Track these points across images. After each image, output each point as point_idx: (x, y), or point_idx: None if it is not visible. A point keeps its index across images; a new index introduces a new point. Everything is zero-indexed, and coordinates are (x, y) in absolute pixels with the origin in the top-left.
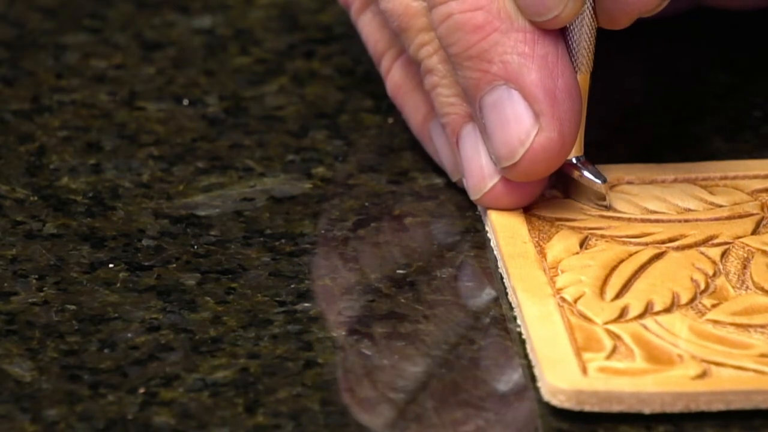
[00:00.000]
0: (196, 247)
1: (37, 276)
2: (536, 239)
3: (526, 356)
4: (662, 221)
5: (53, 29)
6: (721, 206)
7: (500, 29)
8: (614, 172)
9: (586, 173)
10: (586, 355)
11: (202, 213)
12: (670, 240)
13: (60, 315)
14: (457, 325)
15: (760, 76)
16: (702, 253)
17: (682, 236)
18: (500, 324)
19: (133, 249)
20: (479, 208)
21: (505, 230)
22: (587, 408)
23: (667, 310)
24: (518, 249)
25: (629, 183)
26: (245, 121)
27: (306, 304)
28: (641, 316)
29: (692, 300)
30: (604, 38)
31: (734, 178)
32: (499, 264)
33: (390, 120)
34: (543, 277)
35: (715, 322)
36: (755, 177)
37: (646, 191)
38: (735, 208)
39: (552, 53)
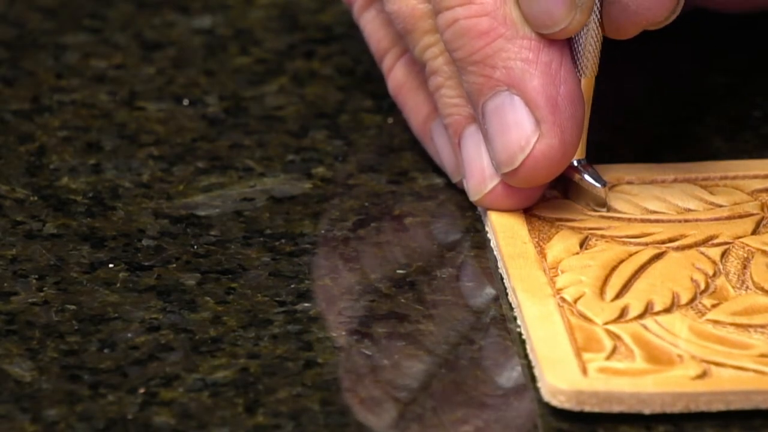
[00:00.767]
0: (196, 247)
1: (37, 276)
2: (536, 239)
3: (526, 356)
4: (662, 221)
5: (53, 29)
6: (721, 206)
7: (505, 35)
8: (614, 172)
9: (586, 176)
10: (586, 356)
11: (202, 213)
12: (670, 240)
13: (60, 315)
14: (457, 325)
15: (760, 76)
16: (702, 253)
17: (682, 236)
18: (500, 324)
19: (133, 249)
20: (479, 208)
21: (505, 230)
22: (587, 408)
23: (667, 310)
24: (518, 249)
25: (629, 183)
26: (245, 121)
27: (306, 304)
28: (641, 316)
29: (692, 300)
30: (605, 39)
31: (734, 178)
32: (499, 264)
33: (390, 120)
34: (543, 278)
35: (715, 322)
36: (755, 177)
37: (646, 191)
38: (735, 208)
39: (556, 60)
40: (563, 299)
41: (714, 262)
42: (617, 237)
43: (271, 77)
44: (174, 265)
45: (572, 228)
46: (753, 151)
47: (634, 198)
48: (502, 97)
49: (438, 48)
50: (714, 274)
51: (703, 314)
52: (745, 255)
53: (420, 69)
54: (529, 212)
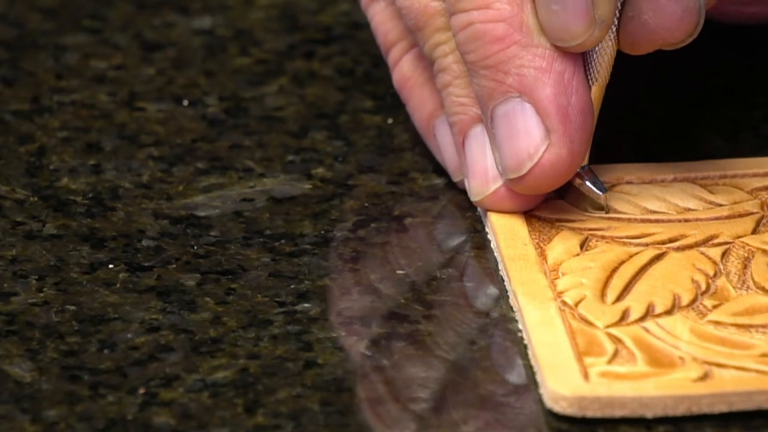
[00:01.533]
0: (196, 247)
1: (37, 276)
2: (536, 240)
3: (526, 356)
4: (662, 221)
5: (53, 29)
6: (721, 205)
7: (520, 43)
8: (614, 172)
9: (587, 183)
10: (588, 360)
11: (201, 213)
12: (671, 240)
13: (60, 315)
14: (457, 325)
15: (760, 76)
16: (702, 254)
17: (683, 236)
18: (501, 324)
19: (133, 249)
20: (479, 209)
21: (505, 232)
22: (589, 414)
23: (668, 312)
24: (519, 251)
25: (629, 183)
26: (245, 122)
27: (306, 304)
28: (642, 318)
29: (693, 301)
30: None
31: (734, 176)
32: (500, 266)
33: (390, 120)
34: (544, 281)
35: (717, 323)
36: (755, 175)
37: (646, 191)
38: (735, 207)
39: (569, 70)
40: (564, 303)
41: (714, 263)
42: (617, 238)
43: (271, 78)
44: (174, 266)
45: (572, 229)
46: (753, 151)
47: (634, 198)
48: (513, 103)
49: (449, 46)
50: (715, 275)
51: (704, 315)
52: (746, 254)
53: (427, 65)
54: (529, 213)
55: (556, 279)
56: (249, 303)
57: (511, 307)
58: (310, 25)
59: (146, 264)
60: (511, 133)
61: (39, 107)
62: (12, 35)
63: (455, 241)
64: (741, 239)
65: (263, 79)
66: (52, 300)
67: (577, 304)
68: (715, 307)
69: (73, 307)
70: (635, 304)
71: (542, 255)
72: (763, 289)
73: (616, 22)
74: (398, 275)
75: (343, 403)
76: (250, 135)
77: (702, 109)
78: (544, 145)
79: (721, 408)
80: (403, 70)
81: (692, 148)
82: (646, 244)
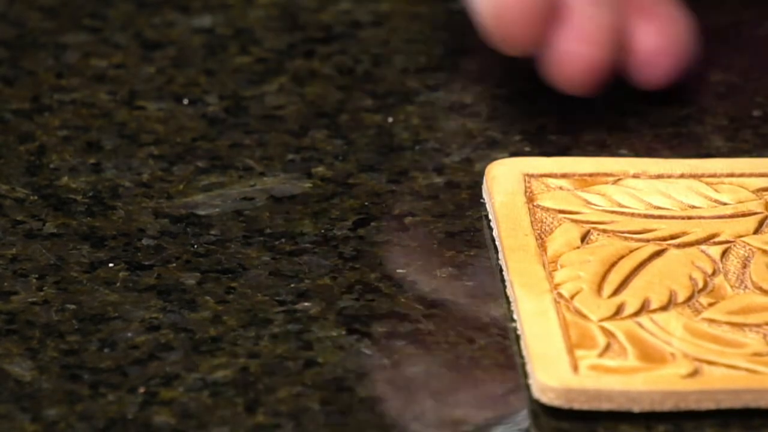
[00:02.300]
0: (196, 246)
1: (37, 276)
2: (538, 231)
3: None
4: (665, 217)
5: (53, 29)
6: (725, 204)
7: None
8: (620, 165)
9: None
10: (579, 353)
11: (202, 212)
12: (672, 237)
13: (60, 315)
14: (456, 324)
15: (760, 76)
16: (703, 252)
17: (684, 233)
18: (500, 323)
19: (133, 248)
20: (485, 195)
21: (508, 221)
22: (576, 406)
23: (664, 308)
24: (519, 242)
25: (635, 177)
26: (245, 121)
27: (306, 304)
28: (637, 313)
29: (689, 298)
30: None
31: (740, 175)
32: (500, 256)
33: (390, 120)
34: (542, 272)
35: (711, 320)
36: (761, 175)
37: (651, 186)
38: (739, 206)
39: None
40: (560, 295)
41: (714, 261)
42: (619, 232)
43: (271, 77)
44: (174, 265)
45: (575, 221)
46: (753, 150)
47: (638, 193)
48: None
49: None
50: (713, 273)
51: (699, 313)
52: (746, 254)
53: None
54: (532, 203)
55: (554, 271)
56: (249, 302)
57: (510, 307)
58: (310, 24)
59: (146, 263)
60: None
61: (39, 106)
62: (12, 34)
63: (455, 240)
64: (742, 239)
65: (263, 77)
66: (52, 299)
67: (572, 297)
68: (710, 305)
69: (73, 306)
70: (631, 299)
71: (542, 246)
72: (760, 288)
73: None
74: (398, 274)
75: (343, 402)
76: (251, 134)
77: (702, 109)
78: None
79: (709, 405)
80: None
81: (692, 148)
82: (647, 240)
